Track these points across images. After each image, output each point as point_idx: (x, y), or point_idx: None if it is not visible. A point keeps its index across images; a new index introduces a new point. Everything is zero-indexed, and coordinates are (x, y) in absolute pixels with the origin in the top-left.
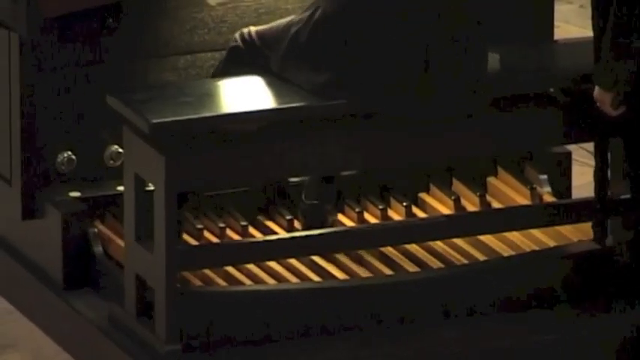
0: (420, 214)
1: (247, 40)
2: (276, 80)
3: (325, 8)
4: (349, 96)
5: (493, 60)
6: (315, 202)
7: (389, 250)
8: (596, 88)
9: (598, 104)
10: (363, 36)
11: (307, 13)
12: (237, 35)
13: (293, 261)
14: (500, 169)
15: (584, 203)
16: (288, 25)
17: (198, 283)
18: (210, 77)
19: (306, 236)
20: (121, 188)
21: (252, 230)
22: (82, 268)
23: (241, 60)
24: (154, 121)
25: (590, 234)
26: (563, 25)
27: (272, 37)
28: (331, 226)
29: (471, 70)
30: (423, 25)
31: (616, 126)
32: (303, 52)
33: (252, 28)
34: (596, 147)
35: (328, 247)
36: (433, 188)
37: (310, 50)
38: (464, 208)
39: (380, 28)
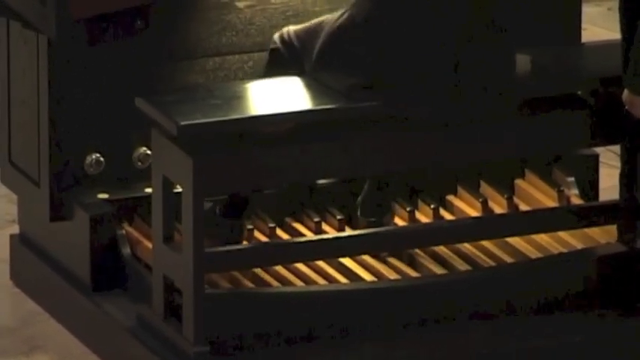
0: (448, 216)
1: (287, 42)
2: (304, 82)
3: (356, 12)
4: (377, 99)
5: (524, 61)
6: (373, 220)
7: (417, 253)
8: (625, 90)
9: (627, 107)
10: (392, 39)
11: (340, 15)
12: (276, 37)
13: (320, 263)
14: (527, 172)
15: (611, 205)
16: (322, 27)
17: (225, 284)
18: (239, 79)
19: (334, 238)
20: (149, 190)
21: (279, 232)
22: (110, 270)
23: (282, 63)
24: (183, 123)
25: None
26: (590, 28)
27: (307, 39)
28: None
29: (499, 72)
30: (451, 28)
31: None
32: (335, 55)
33: (292, 28)
34: (622, 149)
35: (356, 249)
36: (461, 190)
37: (341, 53)
38: (491, 211)
39: (409, 31)
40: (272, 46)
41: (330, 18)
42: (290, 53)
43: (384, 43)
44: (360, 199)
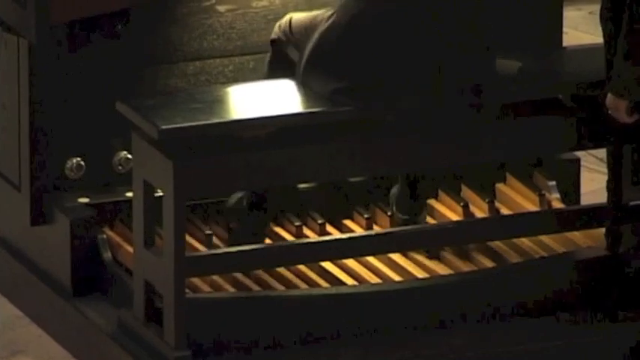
0: (429, 220)
1: (286, 31)
2: (286, 86)
3: (340, 15)
4: (359, 103)
5: (505, 65)
6: (407, 217)
7: (397, 257)
8: (609, 95)
9: (611, 111)
10: (374, 44)
11: (329, 17)
12: (276, 26)
13: (302, 267)
14: (509, 176)
15: (593, 209)
16: (314, 26)
17: (206, 289)
18: (220, 83)
19: (314, 242)
20: (130, 194)
21: None
22: (91, 274)
23: (284, 51)
24: (163, 127)
25: (599, 240)
26: (571, 32)
27: (301, 38)
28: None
29: (481, 76)
30: (433, 33)
31: (628, 133)
32: (320, 58)
33: (293, 17)
34: (609, 154)
35: (337, 253)
36: (442, 195)
37: (325, 57)
38: (473, 215)
39: (391, 35)
40: (273, 36)
41: (321, 16)
42: (290, 41)
43: (367, 45)
44: (393, 193)
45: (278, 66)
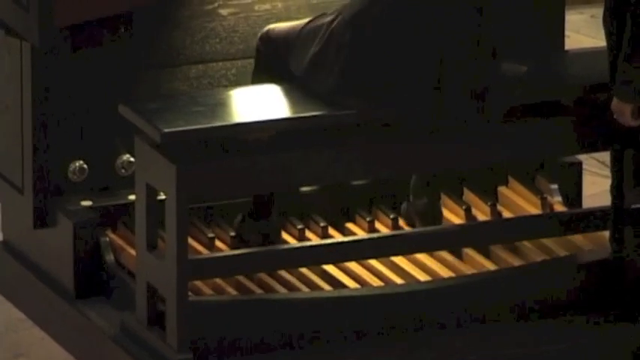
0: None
1: (266, 40)
2: (288, 89)
3: (345, 16)
4: (362, 105)
5: (508, 69)
6: (424, 201)
7: (400, 260)
8: (615, 98)
9: (616, 115)
10: (381, 44)
11: (333, 19)
12: (258, 39)
13: (304, 270)
14: (511, 179)
15: (595, 213)
16: (311, 30)
17: (209, 291)
18: (222, 87)
19: (317, 245)
20: (132, 197)
21: None
22: (94, 277)
23: (265, 63)
24: (166, 130)
25: (601, 243)
26: (574, 35)
27: (295, 40)
28: (437, 223)
29: (484, 79)
30: (440, 34)
31: (632, 136)
32: (323, 59)
33: (274, 27)
34: (612, 157)
35: (339, 256)
36: (444, 198)
37: (329, 58)
38: (475, 218)
39: (399, 35)
40: (255, 52)
41: (320, 22)
42: (272, 52)
43: (374, 46)
44: (412, 182)
45: (261, 76)
